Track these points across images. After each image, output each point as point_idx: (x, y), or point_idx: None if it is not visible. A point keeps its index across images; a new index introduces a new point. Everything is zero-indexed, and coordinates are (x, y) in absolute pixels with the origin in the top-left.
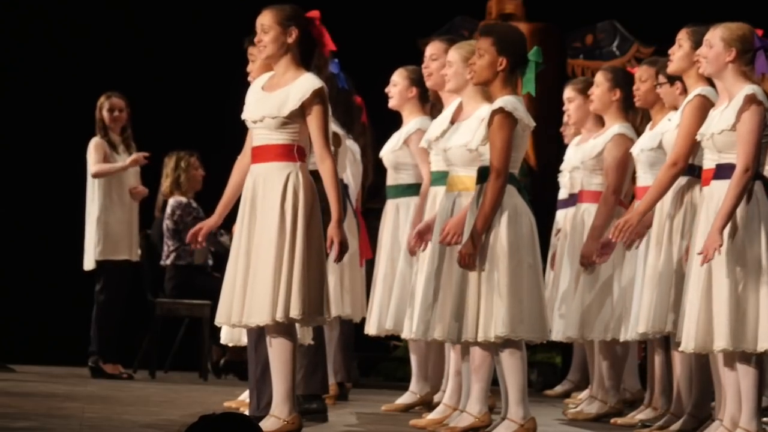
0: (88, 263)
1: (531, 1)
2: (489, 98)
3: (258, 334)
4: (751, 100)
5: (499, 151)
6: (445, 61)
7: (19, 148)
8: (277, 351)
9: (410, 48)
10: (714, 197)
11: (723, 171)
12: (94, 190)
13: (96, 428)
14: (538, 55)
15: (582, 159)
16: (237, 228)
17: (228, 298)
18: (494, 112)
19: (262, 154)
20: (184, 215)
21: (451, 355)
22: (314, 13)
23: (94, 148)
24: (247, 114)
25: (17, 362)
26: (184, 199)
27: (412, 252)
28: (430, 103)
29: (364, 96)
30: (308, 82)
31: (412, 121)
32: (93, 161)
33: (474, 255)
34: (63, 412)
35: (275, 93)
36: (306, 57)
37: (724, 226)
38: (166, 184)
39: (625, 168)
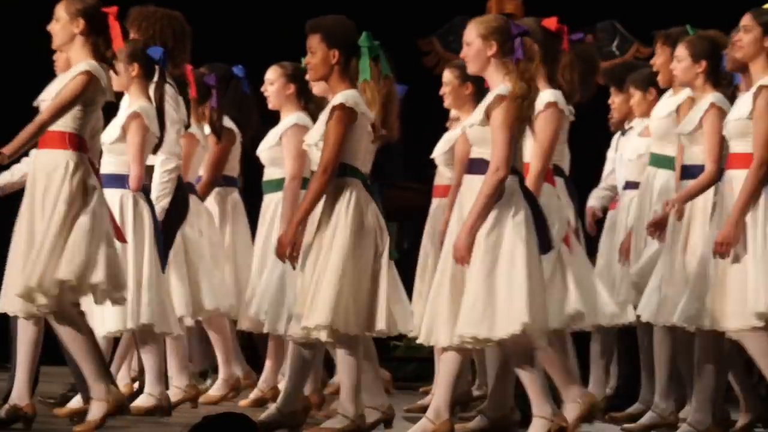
0: None
1: (531, 1)
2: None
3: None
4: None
5: (332, 146)
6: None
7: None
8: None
9: (410, 48)
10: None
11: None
12: None
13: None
14: (369, 41)
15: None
16: None
17: None
18: (333, 108)
19: (42, 139)
20: None
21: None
22: (110, 9)
23: None
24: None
25: None
26: None
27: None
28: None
29: None
30: (75, 68)
31: (289, 116)
32: None
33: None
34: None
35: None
36: (98, 48)
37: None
38: None
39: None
